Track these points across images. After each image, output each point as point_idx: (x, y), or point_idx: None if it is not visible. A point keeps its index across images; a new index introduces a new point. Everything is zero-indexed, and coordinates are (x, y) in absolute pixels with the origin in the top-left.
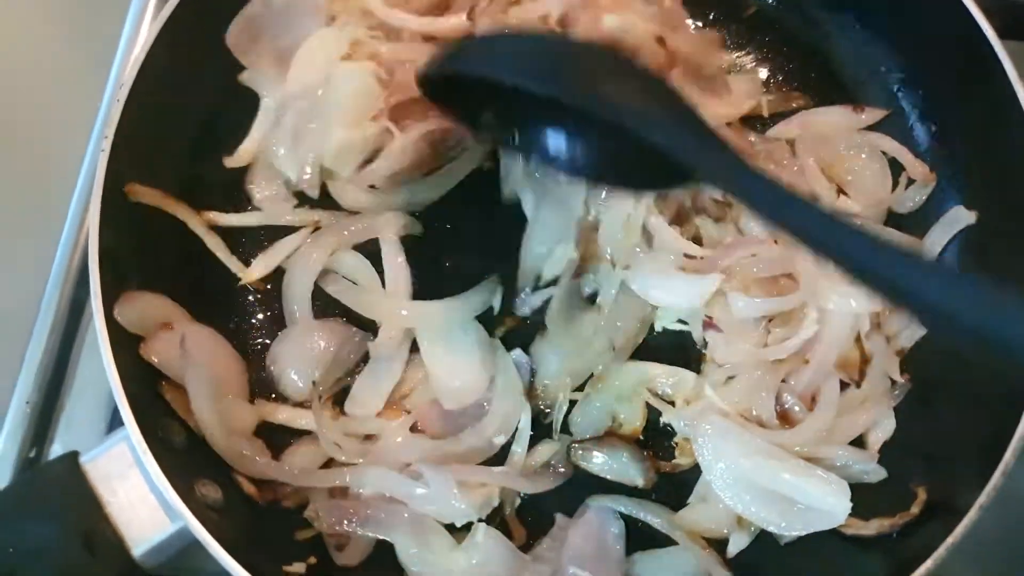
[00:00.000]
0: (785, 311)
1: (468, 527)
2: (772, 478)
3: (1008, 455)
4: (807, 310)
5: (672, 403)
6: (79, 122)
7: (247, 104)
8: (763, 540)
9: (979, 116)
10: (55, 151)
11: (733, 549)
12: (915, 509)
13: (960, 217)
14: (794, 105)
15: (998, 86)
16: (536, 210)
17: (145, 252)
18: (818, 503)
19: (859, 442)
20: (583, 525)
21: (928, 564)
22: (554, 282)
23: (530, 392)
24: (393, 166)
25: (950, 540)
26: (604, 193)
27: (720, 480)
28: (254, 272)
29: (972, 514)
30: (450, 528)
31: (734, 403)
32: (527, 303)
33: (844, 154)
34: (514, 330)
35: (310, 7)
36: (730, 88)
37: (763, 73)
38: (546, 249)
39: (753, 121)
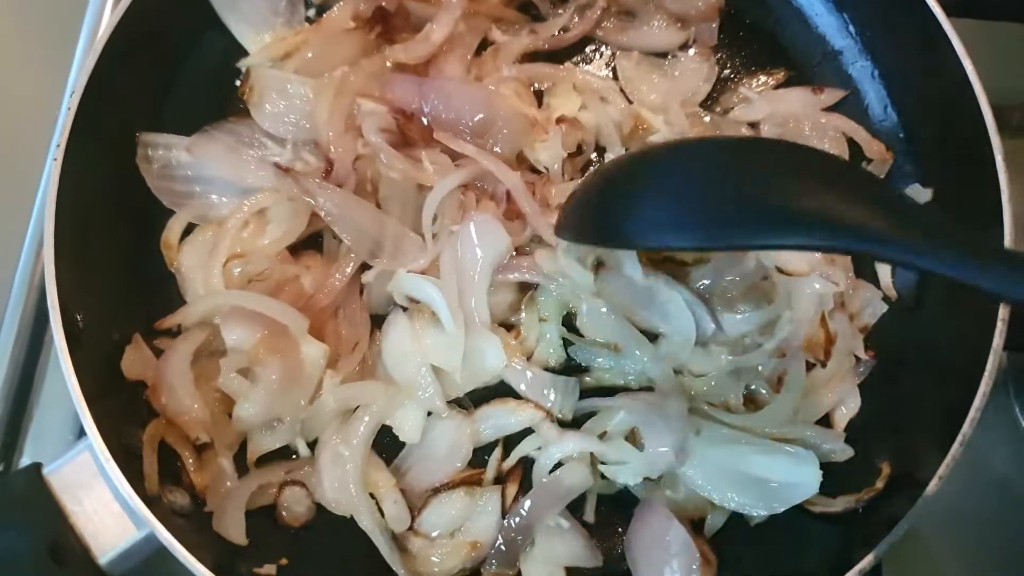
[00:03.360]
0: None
1: None
2: (742, 461)
3: (966, 426)
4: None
5: None
6: (39, 129)
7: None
8: (734, 520)
9: (932, 95)
10: (16, 160)
11: (710, 529)
12: (880, 484)
13: (916, 195)
14: (747, 88)
15: (948, 65)
16: None
17: (102, 259)
18: (790, 477)
19: (826, 421)
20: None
21: (890, 537)
22: None
23: None
24: None
25: (912, 511)
26: None
27: (693, 471)
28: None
29: (932, 485)
30: None
31: (702, 392)
32: None
33: (805, 135)
34: None
35: None
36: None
37: (717, 56)
38: None
39: (713, 104)
